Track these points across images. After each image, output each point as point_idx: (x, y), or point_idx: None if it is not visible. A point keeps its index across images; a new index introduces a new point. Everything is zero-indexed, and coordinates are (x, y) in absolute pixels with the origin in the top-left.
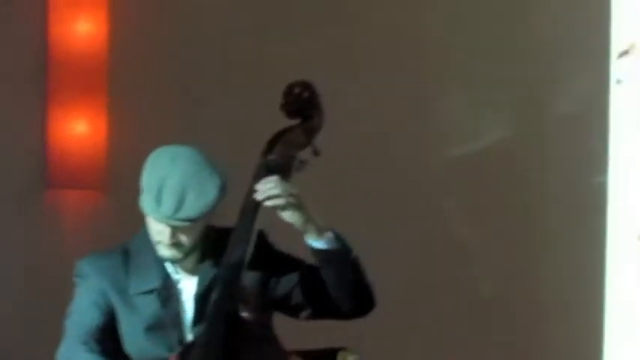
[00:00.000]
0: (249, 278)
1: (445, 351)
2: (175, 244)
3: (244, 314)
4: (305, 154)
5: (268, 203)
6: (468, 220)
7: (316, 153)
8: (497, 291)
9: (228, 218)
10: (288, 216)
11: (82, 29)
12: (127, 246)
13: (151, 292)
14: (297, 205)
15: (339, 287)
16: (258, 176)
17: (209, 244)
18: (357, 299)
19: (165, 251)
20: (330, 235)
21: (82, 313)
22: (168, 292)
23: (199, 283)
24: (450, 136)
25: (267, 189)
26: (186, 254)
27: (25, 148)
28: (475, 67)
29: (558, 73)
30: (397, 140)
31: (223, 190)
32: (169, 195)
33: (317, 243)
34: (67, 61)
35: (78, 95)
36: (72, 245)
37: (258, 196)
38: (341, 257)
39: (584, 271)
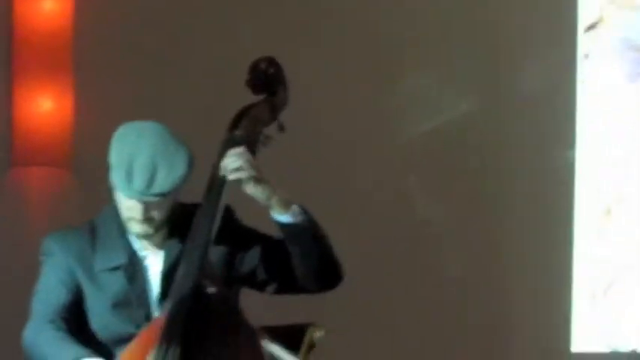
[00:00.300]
0: (216, 254)
1: (410, 329)
2: (147, 220)
3: (210, 290)
4: (270, 129)
5: (232, 177)
6: (433, 198)
7: (281, 128)
8: (463, 270)
9: (194, 194)
10: (252, 190)
11: (46, 7)
12: (93, 223)
13: (117, 268)
14: (260, 179)
15: (305, 261)
16: (224, 151)
17: (176, 220)
18: (324, 273)
19: (136, 227)
20: (295, 208)
21: (48, 292)
22: (134, 269)
23: (165, 260)
24: (416, 113)
25: (231, 161)
26: (157, 229)
27: None
28: (442, 43)
29: (526, 48)
30: (360, 118)
31: (191, 164)
32: (140, 171)
33: (282, 217)
34: (32, 38)
35: (43, 73)
36: (37, 223)
37: (222, 171)
38: (306, 231)
39: (552, 248)
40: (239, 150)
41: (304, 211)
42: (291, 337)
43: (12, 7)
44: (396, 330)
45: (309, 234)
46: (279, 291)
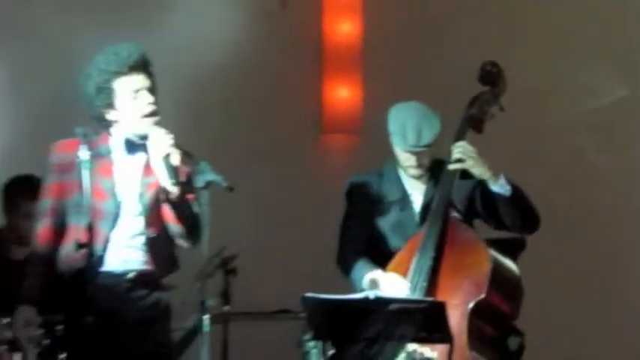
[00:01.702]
0: (456, 194)
1: None
2: (419, 165)
3: (454, 215)
4: (494, 110)
5: (454, 167)
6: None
7: (501, 109)
8: None
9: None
10: (472, 169)
11: (345, 28)
12: (380, 171)
13: (394, 201)
14: (475, 163)
15: (511, 215)
16: (462, 125)
17: (432, 170)
18: (525, 224)
19: (412, 171)
20: (502, 179)
21: (351, 224)
22: (405, 202)
23: (425, 197)
24: None
25: (455, 152)
26: (424, 173)
27: (307, 109)
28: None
29: None
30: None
31: (442, 122)
32: (411, 131)
33: (494, 186)
34: (335, 49)
35: (342, 71)
36: (339, 174)
37: (456, 155)
38: (511, 195)
39: None
40: (460, 143)
41: (508, 181)
42: (510, 248)
43: (322, 29)
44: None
45: (513, 197)
46: (496, 228)
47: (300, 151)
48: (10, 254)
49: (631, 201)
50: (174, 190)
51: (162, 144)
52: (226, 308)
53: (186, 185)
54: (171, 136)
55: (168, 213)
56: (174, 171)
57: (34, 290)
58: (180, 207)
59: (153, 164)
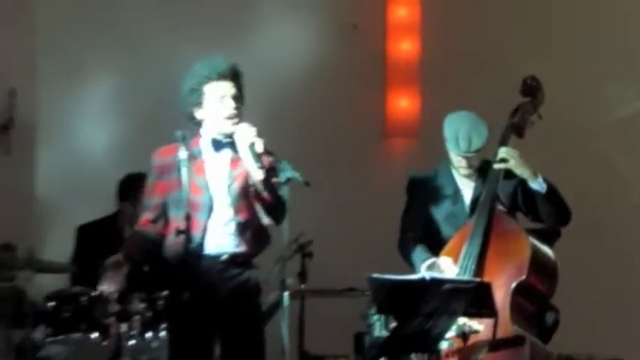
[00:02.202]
0: (501, 190)
1: None
2: (469, 167)
3: (500, 208)
4: (533, 118)
5: (499, 166)
6: None
7: (540, 117)
8: None
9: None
10: (519, 170)
11: (404, 47)
12: (435, 170)
13: (447, 196)
14: (518, 164)
15: (547, 210)
16: (506, 131)
17: (480, 169)
18: (558, 218)
19: (463, 171)
20: (539, 178)
21: (411, 214)
22: (456, 197)
23: (474, 192)
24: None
25: (500, 153)
26: (473, 172)
27: (372, 116)
28: None
29: None
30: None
31: (489, 130)
32: (463, 138)
33: (533, 184)
34: (396, 65)
35: (403, 84)
36: (400, 173)
37: (501, 156)
38: (547, 192)
39: None
40: (504, 149)
41: (544, 179)
42: (547, 237)
43: (385, 47)
44: None
45: (548, 194)
46: (533, 220)
47: (366, 152)
48: (124, 234)
49: None
50: (259, 174)
51: (247, 135)
52: (303, 286)
53: (270, 171)
54: (255, 128)
55: (256, 195)
56: (258, 157)
57: (129, 247)
58: (266, 188)
59: (241, 153)
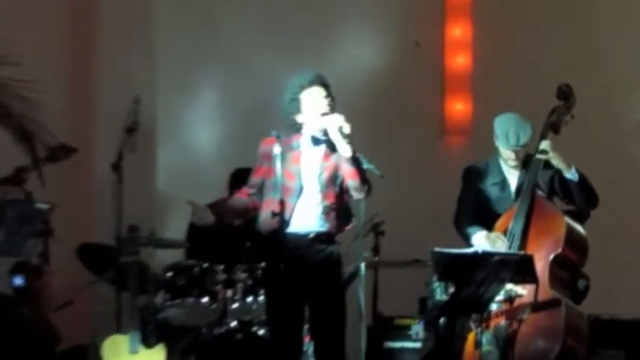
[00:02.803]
0: (541, 179)
1: None
2: (516, 159)
3: (540, 193)
4: (567, 118)
5: (540, 156)
6: None
7: (572, 117)
8: None
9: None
10: (556, 162)
11: (459, 60)
12: (487, 162)
13: (496, 183)
14: (555, 156)
15: (579, 197)
16: (545, 128)
17: (523, 161)
18: (589, 202)
19: (511, 162)
20: (573, 169)
21: (465, 198)
22: (503, 184)
23: (518, 180)
24: None
25: (542, 147)
26: (519, 164)
27: (433, 118)
28: None
29: None
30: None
31: (533, 129)
32: (512, 135)
33: (567, 174)
34: (452, 75)
35: (458, 91)
36: (456, 166)
37: (541, 149)
38: (579, 180)
39: None
40: (545, 142)
41: (577, 170)
42: (579, 217)
43: (443, 61)
44: None
45: (580, 182)
46: (568, 204)
47: (428, 148)
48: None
49: None
50: (348, 150)
51: (336, 119)
52: (376, 259)
53: (355, 154)
54: (342, 115)
55: (347, 171)
56: (347, 137)
57: (224, 204)
58: (355, 164)
59: (331, 135)
